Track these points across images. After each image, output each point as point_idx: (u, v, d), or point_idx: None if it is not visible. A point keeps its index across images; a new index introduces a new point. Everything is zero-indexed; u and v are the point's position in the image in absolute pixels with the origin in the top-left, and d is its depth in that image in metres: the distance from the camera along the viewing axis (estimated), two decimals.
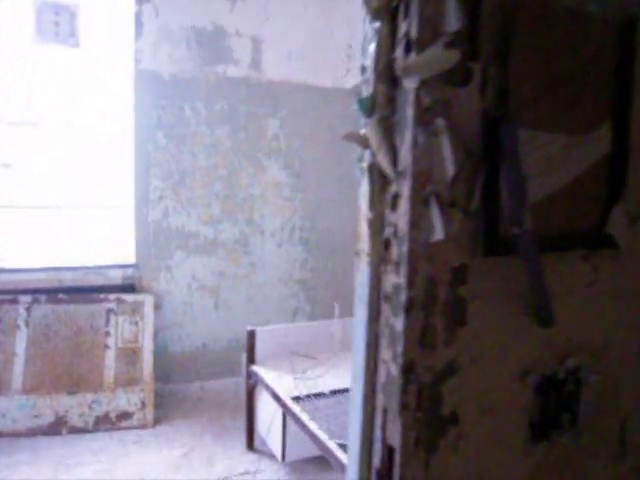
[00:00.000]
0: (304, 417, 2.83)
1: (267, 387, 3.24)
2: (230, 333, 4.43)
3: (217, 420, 3.88)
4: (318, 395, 3.17)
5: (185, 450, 3.49)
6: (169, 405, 4.03)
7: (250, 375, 3.50)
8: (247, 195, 4.41)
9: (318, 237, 4.70)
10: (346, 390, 3.25)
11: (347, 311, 4.88)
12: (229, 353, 4.41)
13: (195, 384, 4.30)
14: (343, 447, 2.63)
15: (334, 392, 3.20)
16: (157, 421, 3.80)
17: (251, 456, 3.45)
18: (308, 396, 3.14)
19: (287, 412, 3.03)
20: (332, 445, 2.58)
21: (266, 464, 3.35)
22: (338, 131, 4.71)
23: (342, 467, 2.45)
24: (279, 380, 3.30)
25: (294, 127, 4.54)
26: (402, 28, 1.04)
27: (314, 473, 3.26)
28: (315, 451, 2.90)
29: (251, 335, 3.53)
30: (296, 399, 3.08)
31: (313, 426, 2.75)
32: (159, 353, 4.06)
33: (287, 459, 3.16)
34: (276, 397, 3.12)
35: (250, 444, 3.53)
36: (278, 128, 4.47)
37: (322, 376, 3.36)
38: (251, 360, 3.52)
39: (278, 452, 3.18)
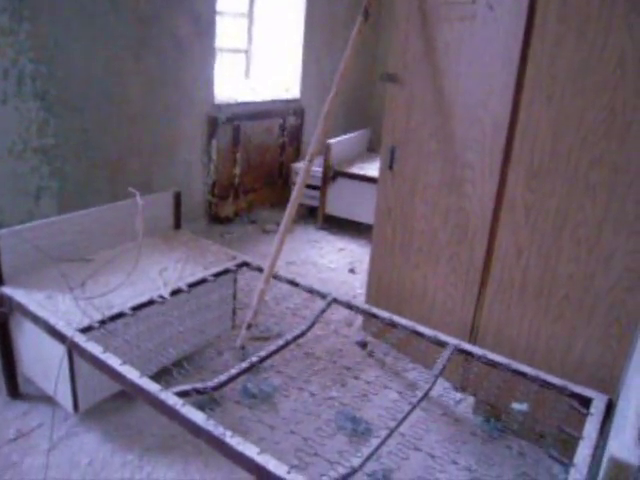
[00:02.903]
0: (112, 362, 1.90)
1: (36, 319, 2.16)
2: None
3: None
4: (116, 317, 2.23)
5: None
6: None
7: (0, 302, 2.33)
8: None
9: (60, 88, 3.31)
10: (152, 302, 2.36)
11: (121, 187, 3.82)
12: None
13: None
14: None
15: (137, 308, 2.29)
16: None
17: (20, 407, 2.40)
18: (103, 322, 2.18)
19: (78, 352, 2.05)
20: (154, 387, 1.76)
21: (45, 415, 2.36)
22: None
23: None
24: (52, 305, 2.24)
25: None
26: None
27: (116, 413, 2.41)
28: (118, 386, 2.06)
29: None
30: (87, 330, 2.11)
31: (127, 371, 1.86)
32: None
33: (81, 408, 2.23)
34: (55, 333, 2.09)
35: (14, 390, 2.46)
36: None
37: (114, 288, 2.38)
38: None
39: (68, 403, 2.22)
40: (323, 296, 2.56)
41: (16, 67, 3.07)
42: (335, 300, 2.52)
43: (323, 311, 2.47)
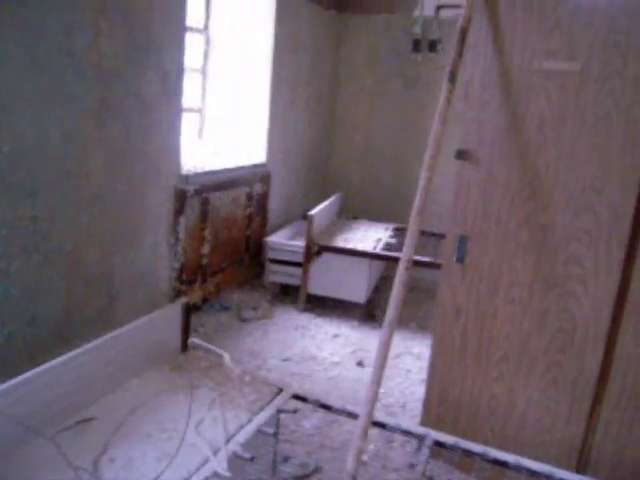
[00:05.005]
0: None
1: None
2: None
3: None
4: None
5: None
6: None
7: None
8: None
9: (6, 166, 2.43)
10: None
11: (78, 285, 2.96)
12: None
13: None
14: None
15: None
16: None
17: None
18: None
19: None
20: None
21: None
22: None
23: None
24: None
25: None
26: None
27: None
28: None
29: None
30: None
31: None
32: None
33: None
34: None
35: None
36: None
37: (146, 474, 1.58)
38: None
39: None
40: (419, 437, 1.92)
41: None
42: (438, 443, 1.89)
43: (427, 463, 1.83)
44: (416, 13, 4.70)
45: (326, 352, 3.48)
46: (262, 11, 4.12)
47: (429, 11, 4.69)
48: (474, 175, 2.22)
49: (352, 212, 5.12)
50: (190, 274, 3.65)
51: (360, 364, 3.36)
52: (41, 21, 2.46)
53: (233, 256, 4.10)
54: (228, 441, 1.75)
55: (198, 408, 1.90)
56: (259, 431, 1.84)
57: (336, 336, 3.71)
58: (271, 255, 4.06)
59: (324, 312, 4.04)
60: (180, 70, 3.35)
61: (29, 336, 2.72)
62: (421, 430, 1.94)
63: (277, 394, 2.04)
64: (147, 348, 2.04)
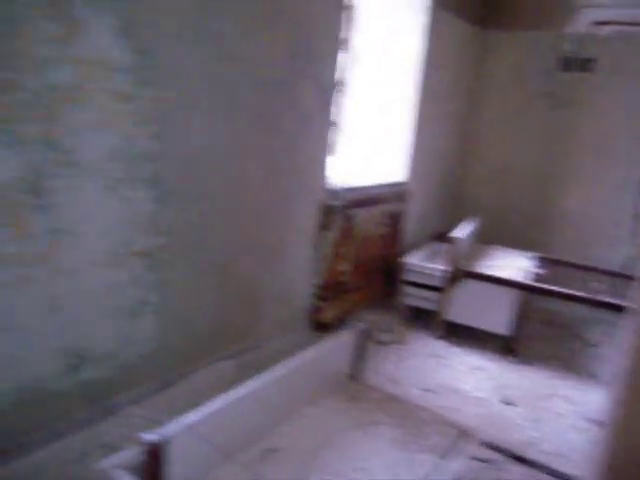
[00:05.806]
0: None
1: None
2: (18, 376, 1.99)
3: None
4: None
5: None
6: None
7: None
8: (43, 85, 1.87)
9: (177, 171, 2.43)
10: None
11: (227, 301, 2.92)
12: (21, 416, 2.00)
13: None
14: None
15: None
16: None
17: None
18: None
19: None
20: None
21: None
22: None
23: None
24: None
25: None
26: None
27: None
28: None
29: (154, 453, 1.33)
30: None
31: None
32: None
33: None
34: None
35: None
36: None
37: None
38: None
39: None
40: None
41: (129, 143, 2.19)
42: None
43: None
44: (568, 30, 4.40)
45: (468, 385, 3.21)
46: (410, 25, 3.99)
47: (583, 27, 4.37)
48: None
49: (484, 236, 4.83)
50: (327, 291, 3.53)
51: (508, 402, 3.07)
52: (220, 28, 2.45)
53: (368, 275, 3.95)
54: None
55: (383, 447, 1.73)
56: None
57: (476, 368, 3.44)
58: (407, 277, 3.87)
59: (460, 341, 3.78)
60: (333, 83, 3.28)
61: (181, 346, 2.70)
62: None
63: (459, 436, 1.83)
64: (323, 376, 1.91)
